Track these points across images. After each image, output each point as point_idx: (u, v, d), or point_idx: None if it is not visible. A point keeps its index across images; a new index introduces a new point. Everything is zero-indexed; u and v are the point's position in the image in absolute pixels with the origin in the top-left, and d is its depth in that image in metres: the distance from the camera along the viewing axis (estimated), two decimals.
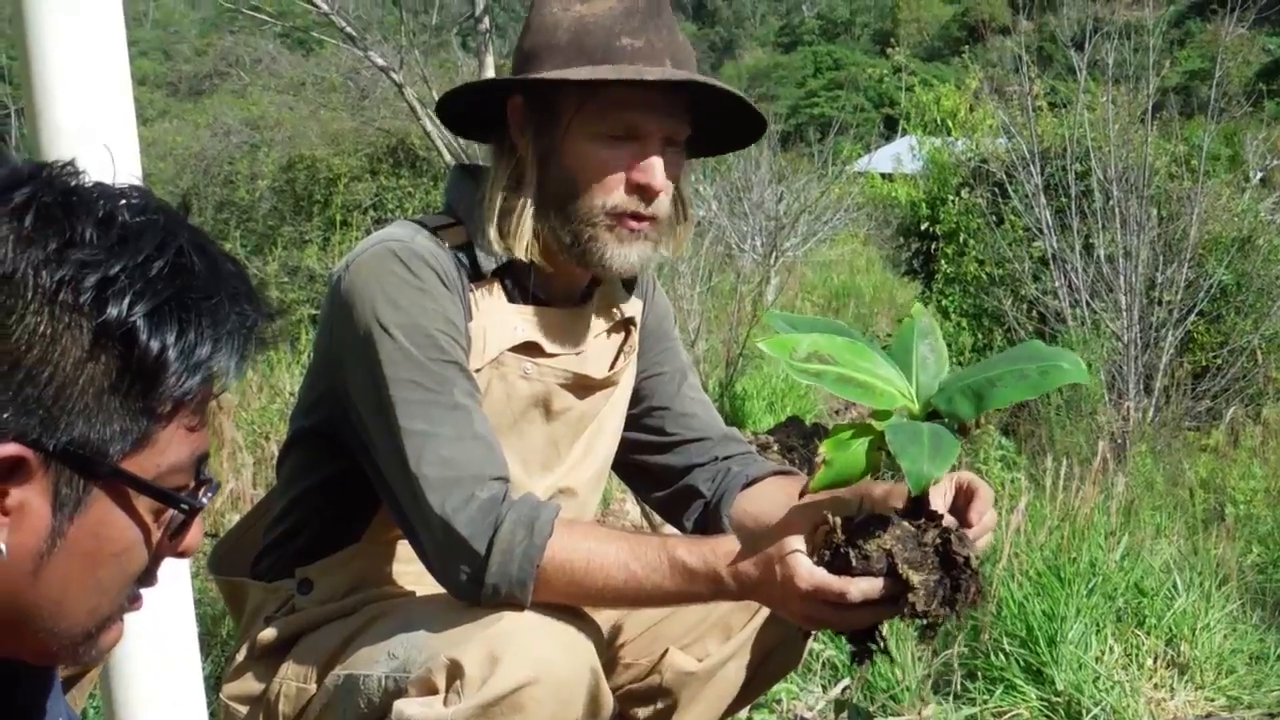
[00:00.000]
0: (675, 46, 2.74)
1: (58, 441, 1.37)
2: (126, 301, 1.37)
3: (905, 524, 2.37)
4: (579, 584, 2.52)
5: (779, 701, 4.68)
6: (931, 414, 2.36)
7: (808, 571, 2.38)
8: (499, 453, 2.62)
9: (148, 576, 1.52)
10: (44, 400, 1.36)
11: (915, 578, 2.32)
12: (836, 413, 10.62)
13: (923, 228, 18.39)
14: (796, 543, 2.42)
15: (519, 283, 2.80)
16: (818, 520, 2.42)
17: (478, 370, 2.71)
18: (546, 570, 2.50)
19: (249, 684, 2.85)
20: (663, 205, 2.75)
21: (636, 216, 2.72)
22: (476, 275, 2.76)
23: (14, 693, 1.60)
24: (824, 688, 4.90)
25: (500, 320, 2.78)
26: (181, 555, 1.55)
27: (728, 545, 2.53)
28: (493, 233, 2.73)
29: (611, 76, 2.64)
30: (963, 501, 2.59)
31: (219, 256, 1.48)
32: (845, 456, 2.34)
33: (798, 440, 8.44)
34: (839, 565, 2.36)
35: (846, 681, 4.90)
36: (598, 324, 2.94)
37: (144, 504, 1.44)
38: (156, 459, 1.43)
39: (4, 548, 1.39)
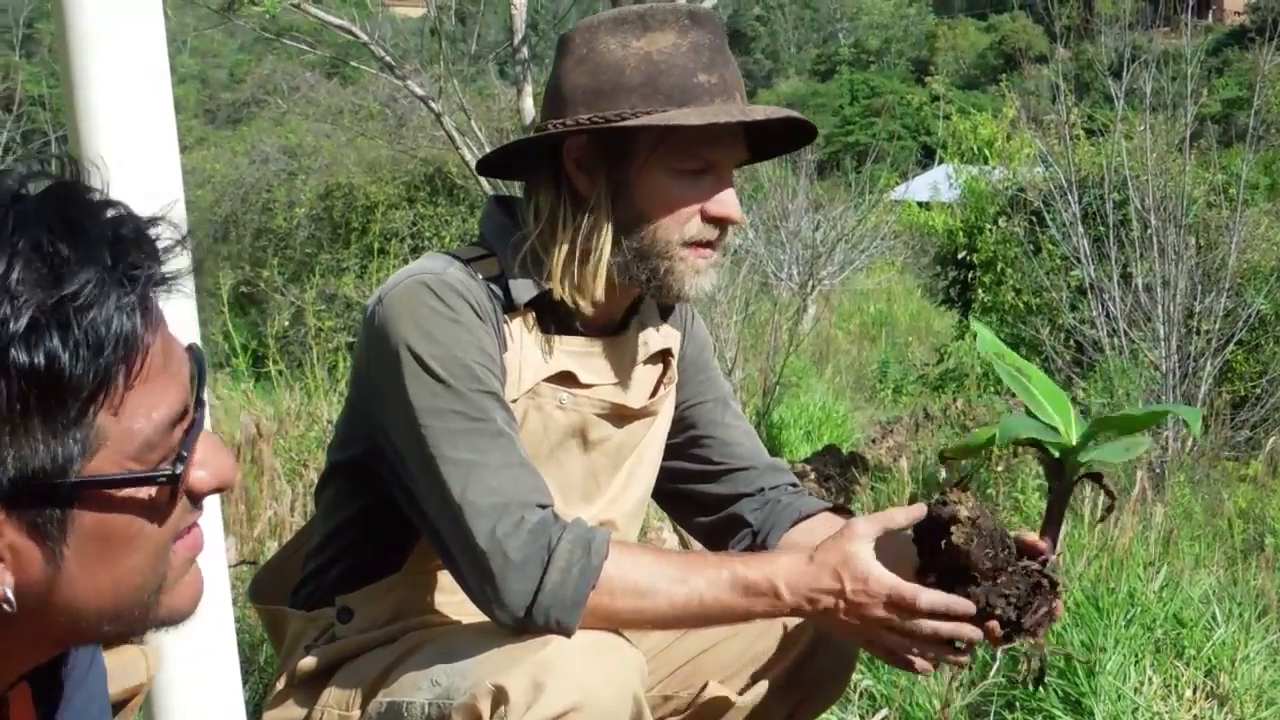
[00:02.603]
0: (739, 80, 2.77)
1: (1, 486, 1.33)
2: None
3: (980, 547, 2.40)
4: (640, 602, 2.53)
5: None
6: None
7: (880, 573, 2.42)
8: (543, 480, 2.62)
9: (183, 522, 1.49)
10: None
11: (993, 598, 2.35)
12: (873, 441, 10.59)
13: (960, 256, 18.36)
14: (865, 550, 2.46)
15: (553, 314, 2.79)
16: (881, 524, 2.47)
17: (513, 401, 2.71)
18: (605, 590, 2.50)
19: (290, 711, 2.85)
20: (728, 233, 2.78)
21: (710, 245, 2.74)
22: (510, 306, 2.76)
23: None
24: (861, 717, 4.88)
25: (535, 351, 2.78)
26: (219, 490, 1.52)
27: (787, 559, 2.54)
28: (559, 275, 2.74)
29: (720, 120, 2.65)
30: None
31: (86, 221, 1.38)
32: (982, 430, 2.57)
33: (834, 469, 8.44)
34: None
35: (885, 711, 4.88)
36: (635, 354, 2.94)
37: (136, 492, 1.41)
38: (120, 448, 1.38)
39: (11, 595, 1.37)
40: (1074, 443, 2.53)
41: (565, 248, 2.74)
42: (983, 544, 2.46)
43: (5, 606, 1.37)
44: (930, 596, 2.51)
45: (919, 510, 2.57)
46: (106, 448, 1.37)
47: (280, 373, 9.72)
